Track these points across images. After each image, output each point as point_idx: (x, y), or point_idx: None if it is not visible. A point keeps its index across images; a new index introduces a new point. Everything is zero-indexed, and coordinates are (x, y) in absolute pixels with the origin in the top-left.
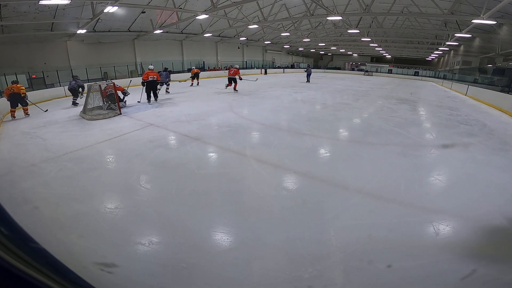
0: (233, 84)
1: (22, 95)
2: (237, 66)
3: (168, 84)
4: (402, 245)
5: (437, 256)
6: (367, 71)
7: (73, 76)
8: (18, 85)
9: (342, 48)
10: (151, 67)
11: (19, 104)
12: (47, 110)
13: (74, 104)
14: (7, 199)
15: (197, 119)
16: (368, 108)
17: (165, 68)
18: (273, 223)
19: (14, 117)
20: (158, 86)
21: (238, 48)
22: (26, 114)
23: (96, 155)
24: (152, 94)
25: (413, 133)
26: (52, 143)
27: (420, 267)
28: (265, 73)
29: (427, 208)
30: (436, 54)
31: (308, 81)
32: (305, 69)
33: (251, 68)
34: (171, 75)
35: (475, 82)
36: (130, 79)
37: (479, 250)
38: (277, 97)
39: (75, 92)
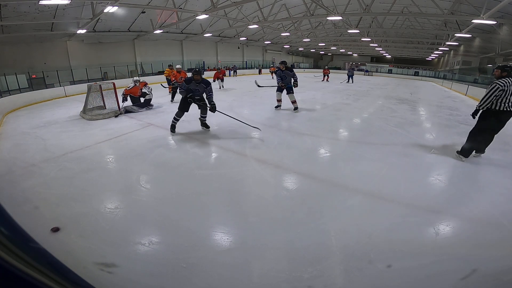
0: (325, 78)
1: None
2: (327, 67)
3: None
4: (402, 245)
5: (437, 256)
6: (367, 71)
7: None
8: (167, 69)
9: (342, 48)
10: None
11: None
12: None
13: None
14: (7, 199)
15: (197, 119)
16: (368, 108)
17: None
18: (273, 223)
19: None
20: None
21: (238, 48)
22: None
23: (96, 155)
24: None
25: (413, 133)
26: (52, 143)
27: (420, 267)
28: (260, 72)
29: (427, 208)
30: (436, 54)
31: (352, 81)
32: (348, 71)
33: (251, 68)
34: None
35: (475, 82)
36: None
37: (479, 250)
38: None
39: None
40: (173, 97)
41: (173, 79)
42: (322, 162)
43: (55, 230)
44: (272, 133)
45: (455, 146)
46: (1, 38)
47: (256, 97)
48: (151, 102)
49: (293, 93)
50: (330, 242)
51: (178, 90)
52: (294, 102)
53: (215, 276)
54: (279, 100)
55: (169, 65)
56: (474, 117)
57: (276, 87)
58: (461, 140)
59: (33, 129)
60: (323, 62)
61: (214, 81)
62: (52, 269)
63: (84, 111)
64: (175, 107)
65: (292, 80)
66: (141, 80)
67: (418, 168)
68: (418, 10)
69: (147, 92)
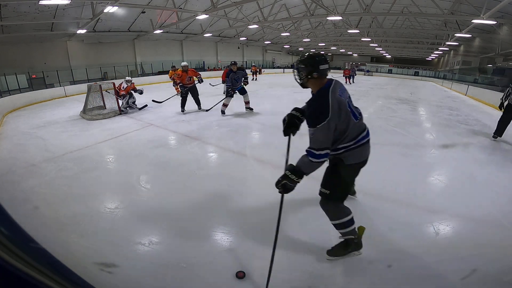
0: (347, 80)
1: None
2: (348, 67)
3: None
4: (402, 245)
5: (437, 256)
6: (367, 71)
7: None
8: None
9: (342, 48)
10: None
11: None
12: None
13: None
14: (7, 199)
15: (197, 119)
16: (368, 108)
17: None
18: (273, 223)
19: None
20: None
21: (238, 48)
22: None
23: (96, 155)
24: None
25: (413, 133)
26: (52, 143)
27: (420, 267)
28: (260, 72)
29: (427, 208)
30: (436, 54)
31: (353, 81)
32: (350, 71)
33: (251, 68)
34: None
35: (475, 82)
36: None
37: (479, 250)
38: (277, 97)
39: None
40: (183, 104)
41: (178, 80)
42: None
43: (241, 276)
44: (272, 133)
45: (455, 146)
46: (1, 38)
47: (256, 97)
48: (135, 103)
49: (247, 92)
50: (330, 242)
51: None
52: (248, 102)
53: (215, 276)
54: (227, 105)
55: (172, 67)
56: (500, 109)
57: (226, 93)
58: (461, 140)
59: (33, 129)
60: None
61: (223, 82)
62: (52, 269)
63: (84, 111)
64: (171, 108)
65: (243, 79)
66: (132, 81)
67: (418, 168)
68: (418, 10)
69: (133, 94)
